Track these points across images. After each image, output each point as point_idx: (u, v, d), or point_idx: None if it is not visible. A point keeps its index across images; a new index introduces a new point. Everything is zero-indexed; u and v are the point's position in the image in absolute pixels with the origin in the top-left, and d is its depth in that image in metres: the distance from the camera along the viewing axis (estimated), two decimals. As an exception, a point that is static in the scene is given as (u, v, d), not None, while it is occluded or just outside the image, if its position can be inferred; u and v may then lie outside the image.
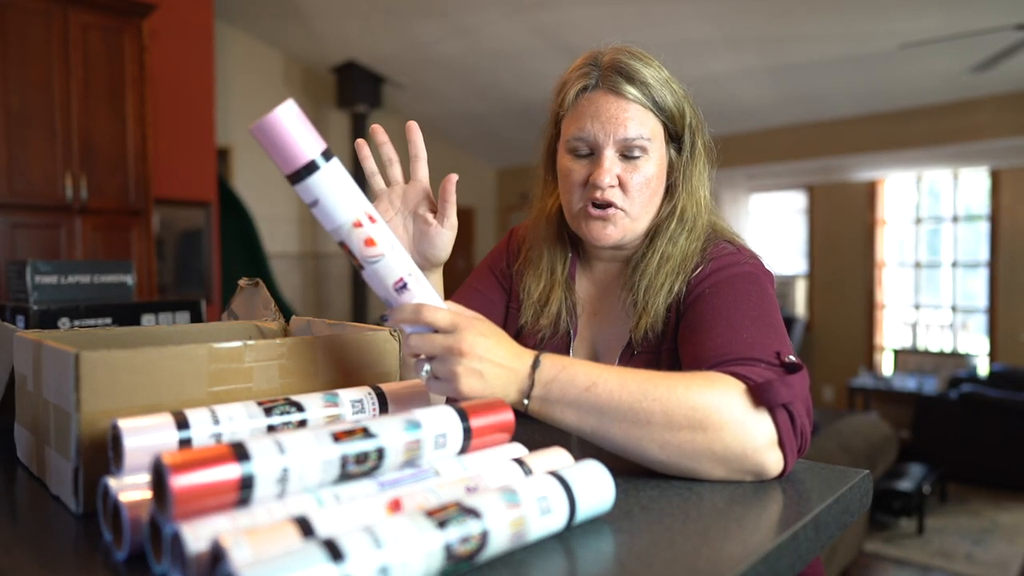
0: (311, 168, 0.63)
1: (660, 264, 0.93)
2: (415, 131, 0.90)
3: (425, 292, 0.71)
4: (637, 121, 0.90)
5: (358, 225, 0.67)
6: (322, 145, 0.64)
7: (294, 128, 0.62)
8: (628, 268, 0.98)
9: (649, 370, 0.72)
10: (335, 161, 0.65)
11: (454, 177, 0.88)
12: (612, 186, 0.91)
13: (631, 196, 0.91)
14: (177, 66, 4.15)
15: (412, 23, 4.99)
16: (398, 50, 5.43)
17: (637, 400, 0.69)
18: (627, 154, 0.91)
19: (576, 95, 0.93)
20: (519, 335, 1.04)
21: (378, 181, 0.93)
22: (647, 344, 0.93)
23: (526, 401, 0.71)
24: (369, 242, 0.67)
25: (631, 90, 0.90)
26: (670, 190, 0.97)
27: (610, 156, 0.90)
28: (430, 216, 0.89)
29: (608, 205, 0.92)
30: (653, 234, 0.96)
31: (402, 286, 0.69)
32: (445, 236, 0.89)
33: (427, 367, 0.70)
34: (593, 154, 0.92)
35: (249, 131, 0.63)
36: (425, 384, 0.71)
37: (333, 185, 0.65)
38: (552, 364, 0.71)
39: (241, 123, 5.53)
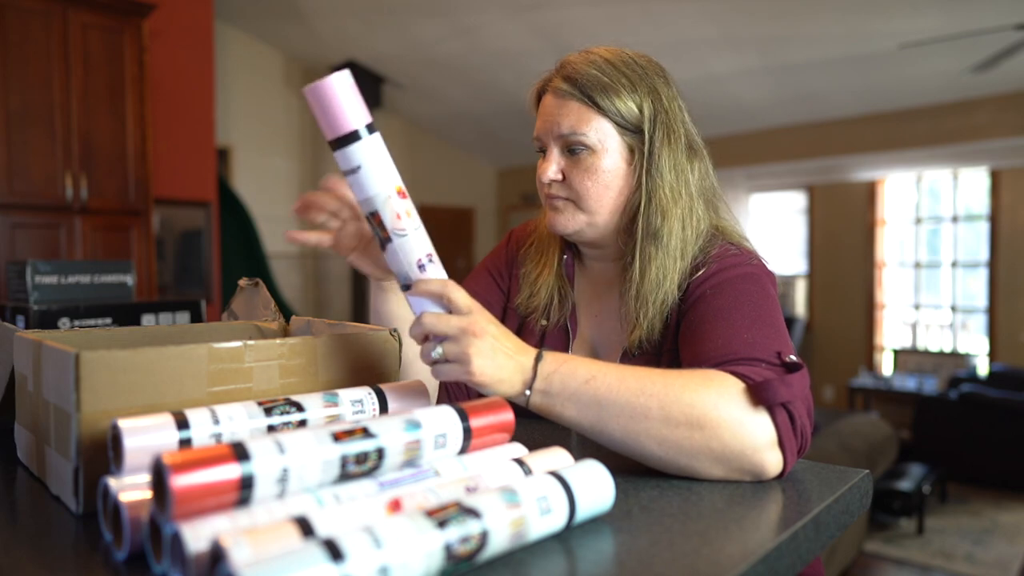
0: (356, 136, 0.67)
1: (644, 272, 0.91)
2: (341, 191, 0.83)
3: (441, 274, 0.74)
4: (573, 118, 0.92)
5: (393, 196, 0.70)
6: (369, 118, 0.68)
7: (346, 96, 0.66)
8: (620, 270, 0.98)
9: (649, 367, 0.72)
10: (378, 135, 0.69)
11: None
12: (555, 180, 0.94)
13: (575, 190, 0.93)
14: (177, 66, 4.15)
15: (412, 23, 4.99)
16: (398, 50, 5.43)
17: (635, 395, 0.69)
18: (571, 150, 0.93)
19: (535, 99, 1.00)
20: (518, 335, 1.05)
21: (333, 222, 0.86)
22: (647, 346, 0.93)
23: (528, 392, 0.71)
24: (399, 216, 0.70)
25: (567, 88, 0.92)
26: (640, 185, 0.93)
27: (555, 153, 0.94)
28: None
29: (559, 198, 0.95)
30: (634, 233, 0.93)
31: (423, 264, 0.72)
32: None
33: (439, 349, 0.70)
34: (545, 152, 0.96)
35: (303, 92, 0.67)
36: (433, 368, 0.71)
37: (375, 155, 0.68)
38: (553, 358, 0.72)
39: (241, 123, 5.54)
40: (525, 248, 1.10)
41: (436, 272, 0.73)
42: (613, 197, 0.94)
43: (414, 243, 0.71)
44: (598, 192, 0.93)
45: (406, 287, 0.73)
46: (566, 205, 0.95)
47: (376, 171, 0.68)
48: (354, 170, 0.68)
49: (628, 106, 0.92)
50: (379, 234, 0.71)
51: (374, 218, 0.70)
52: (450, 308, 0.71)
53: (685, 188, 0.94)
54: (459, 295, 0.70)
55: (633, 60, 0.94)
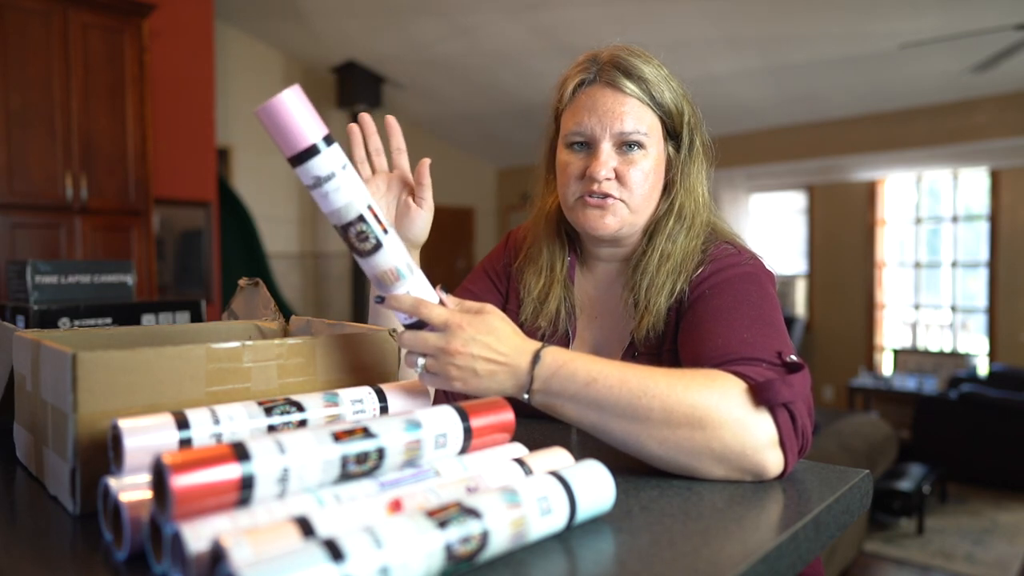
0: (314, 151, 0.64)
1: (660, 263, 0.93)
2: (396, 126, 0.95)
3: (418, 278, 0.73)
4: (634, 116, 0.90)
5: (372, 203, 0.69)
6: (326, 130, 0.66)
7: (299, 111, 0.63)
8: (628, 268, 0.98)
9: (651, 366, 0.72)
10: (336, 145, 0.67)
11: (427, 161, 0.94)
12: (609, 179, 0.91)
13: (629, 189, 0.92)
14: (177, 66, 4.15)
15: (412, 23, 4.99)
16: (398, 50, 5.42)
17: (637, 396, 0.69)
18: (624, 148, 0.91)
19: (574, 90, 0.95)
20: None
21: (365, 168, 0.96)
22: (648, 345, 0.93)
23: (526, 396, 0.71)
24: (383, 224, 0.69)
25: (629, 85, 0.90)
26: (668, 187, 0.97)
27: (607, 149, 0.91)
28: (411, 200, 0.95)
29: (606, 196, 0.92)
30: (652, 232, 0.96)
31: (398, 273, 0.71)
32: (424, 218, 0.95)
33: (422, 361, 0.72)
34: (590, 148, 0.93)
35: (254, 113, 0.64)
36: (419, 375, 0.73)
37: (342, 164, 0.66)
38: (553, 359, 0.71)
39: (241, 123, 5.53)
40: (520, 260, 1.07)
41: (413, 279, 0.72)
42: (655, 197, 0.96)
43: (388, 250, 0.70)
44: (648, 192, 0.93)
45: (380, 299, 0.72)
46: (615, 204, 0.92)
47: (348, 182, 0.66)
48: (327, 178, 0.65)
49: (676, 107, 0.93)
50: (373, 236, 0.69)
51: (360, 222, 0.68)
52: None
53: (706, 194, 0.97)
54: (433, 313, 0.70)
55: (661, 63, 0.95)
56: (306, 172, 0.65)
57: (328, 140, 0.65)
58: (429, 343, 0.70)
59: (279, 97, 0.62)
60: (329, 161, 0.65)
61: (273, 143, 0.65)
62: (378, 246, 0.69)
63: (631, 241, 0.98)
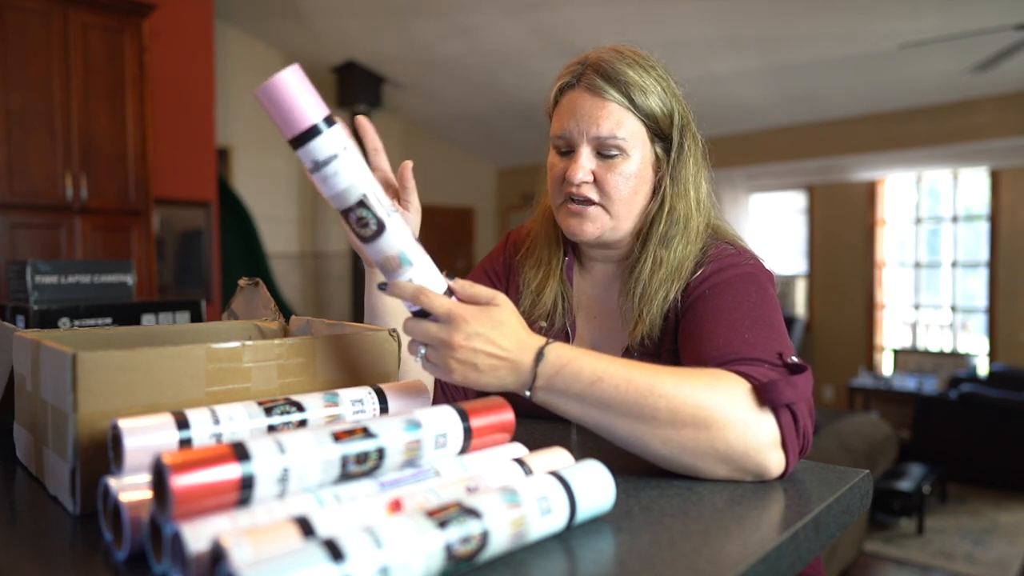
0: (314, 132, 0.62)
1: (653, 270, 0.92)
2: (368, 125, 0.91)
3: (424, 265, 0.71)
4: (613, 120, 0.90)
5: (378, 187, 0.67)
6: (327, 111, 0.64)
7: (299, 91, 0.61)
8: (624, 271, 0.98)
9: (656, 364, 0.72)
10: (339, 126, 0.65)
11: (409, 163, 0.91)
12: (586, 182, 0.91)
13: (608, 194, 0.91)
14: (177, 66, 4.15)
15: (412, 23, 4.99)
16: (398, 50, 5.43)
17: (643, 396, 0.68)
18: (603, 152, 0.91)
19: (557, 94, 0.95)
20: None
21: None
22: (647, 347, 0.93)
23: (528, 392, 0.71)
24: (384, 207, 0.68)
25: (609, 90, 0.89)
26: (659, 189, 0.95)
27: (585, 153, 0.91)
28: (395, 204, 0.92)
29: (585, 201, 0.92)
30: (645, 236, 0.95)
31: (401, 260, 0.69)
32: (411, 220, 0.92)
33: (423, 349, 0.70)
34: (572, 152, 0.93)
35: (253, 94, 0.63)
36: (421, 362, 0.72)
37: (344, 145, 0.64)
38: (557, 356, 0.70)
39: (241, 123, 5.53)
40: (521, 254, 1.08)
41: (419, 262, 0.70)
42: (640, 202, 0.94)
43: (392, 234, 0.68)
44: (628, 197, 0.92)
45: (383, 286, 0.71)
46: (595, 210, 0.92)
47: (349, 165, 0.65)
48: (328, 160, 0.63)
49: (662, 110, 0.92)
50: (353, 232, 0.68)
51: (360, 207, 0.66)
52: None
53: (702, 196, 0.96)
54: (436, 303, 0.68)
55: (656, 62, 0.93)
56: (307, 154, 0.63)
57: (329, 121, 0.63)
58: (431, 333, 0.69)
59: (279, 76, 0.61)
60: (330, 143, 0.63)
61: (269, 138, 0.64)
62: (379, 232, 0.67)
63: (623, 244, 0.98)
